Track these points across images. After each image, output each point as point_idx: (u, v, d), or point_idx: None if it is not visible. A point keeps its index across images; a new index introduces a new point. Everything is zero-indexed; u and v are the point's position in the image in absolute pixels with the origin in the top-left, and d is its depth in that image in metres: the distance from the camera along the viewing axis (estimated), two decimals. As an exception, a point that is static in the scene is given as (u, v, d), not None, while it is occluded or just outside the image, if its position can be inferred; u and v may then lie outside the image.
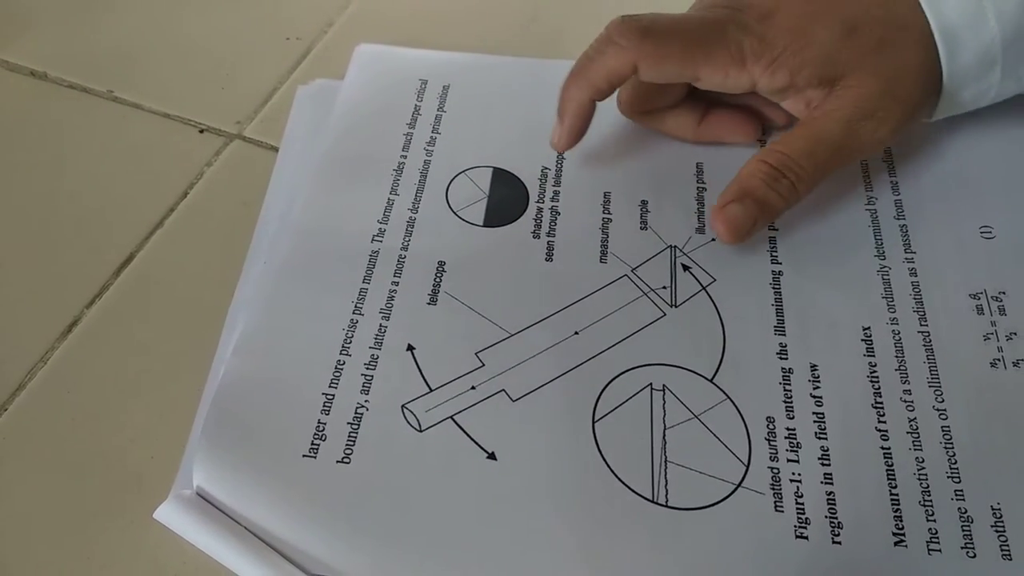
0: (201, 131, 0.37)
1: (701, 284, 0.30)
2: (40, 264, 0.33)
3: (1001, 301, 0.29)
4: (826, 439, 0.27)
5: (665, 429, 0.27)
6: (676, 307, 0.30)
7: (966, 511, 0.25)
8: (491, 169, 0.34)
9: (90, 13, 0.42)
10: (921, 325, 0.29)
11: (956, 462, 0.26)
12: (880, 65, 0.29)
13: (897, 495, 0.25)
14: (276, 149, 0.36)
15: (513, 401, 0.27)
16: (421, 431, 0.27)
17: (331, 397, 0.27)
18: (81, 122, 0.38)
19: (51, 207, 0.35)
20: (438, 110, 0.36)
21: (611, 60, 0.30)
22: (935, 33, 0.28)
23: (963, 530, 0.25)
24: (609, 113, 0.34)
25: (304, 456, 0.26)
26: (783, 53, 0.29)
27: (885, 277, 0.30)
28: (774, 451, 0.26)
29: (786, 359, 0.28)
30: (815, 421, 0.27)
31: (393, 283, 0.30)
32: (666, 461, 0.26)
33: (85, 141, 0.37)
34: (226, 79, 0.39)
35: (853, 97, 0.29)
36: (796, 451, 0.26)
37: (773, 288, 0.30)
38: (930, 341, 0.29)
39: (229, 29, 0.41)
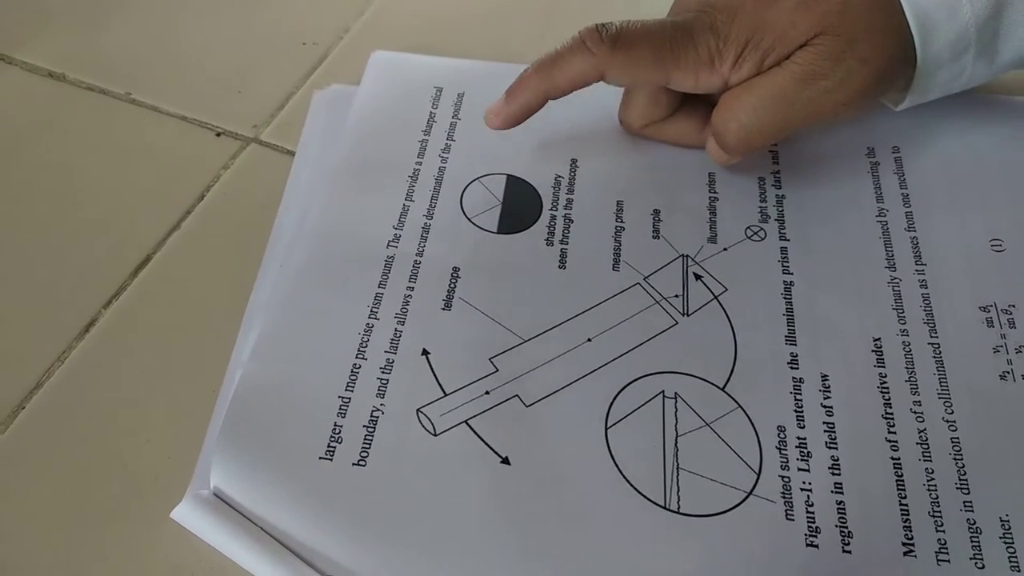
0: (218, 134, 0.38)
1: (713, 293, 0.31)
2: (58, 264, 0.33)
3: (1011, 314, 0.29)
4: (836, 449, 0.27)
5: (677, 436, 0.27)
6: (688, 316, 0.30)
7: (975, 522, 0.25)
8: (505, 176, 0.34)
9: (108, 15, 0.43)
10: (931, 337, 0.29)
11: (965, 473, 0.26)
12: (843, 26, 0.28)
13: (907, 505, 0.26)
14: (292, 153, 0.36)
15: (527, 406, 0.28)
16: (435, 435, 0.27)
17: (347, 400, 0.28)
18: (99, 124, 0.38)
19: (69, 208, 0.35)
20: (453, 117, 0.36)
21: (578, 64, 0.30)
22: (909, 19, 0.28)
23: (972, 541, 0.25)
24: (619, 124, 0.35)
25: (320, 458, 0.27)
26: (747, 47, 0.29)
27: (896, 289, 0.30)
28: (785, 460, 0.27)
29: (797, 368, 0.29)
30: (826, 431, 0.27)
31: (408, 288, 0.31)
32: (678, 468, 0.26)
33: (103, 143, 0.37)
34: (243, 83, 0.39)
35: (813, 55, 0.29)
36: (807, 460, 0.27)
37: (784, 298, 0.30)
38: (940, 353, 0.29)
39: (246, 33, 0.42)
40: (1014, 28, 0.29)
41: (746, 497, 0.26)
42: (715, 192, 0.34)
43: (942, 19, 0.28)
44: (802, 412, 0.28)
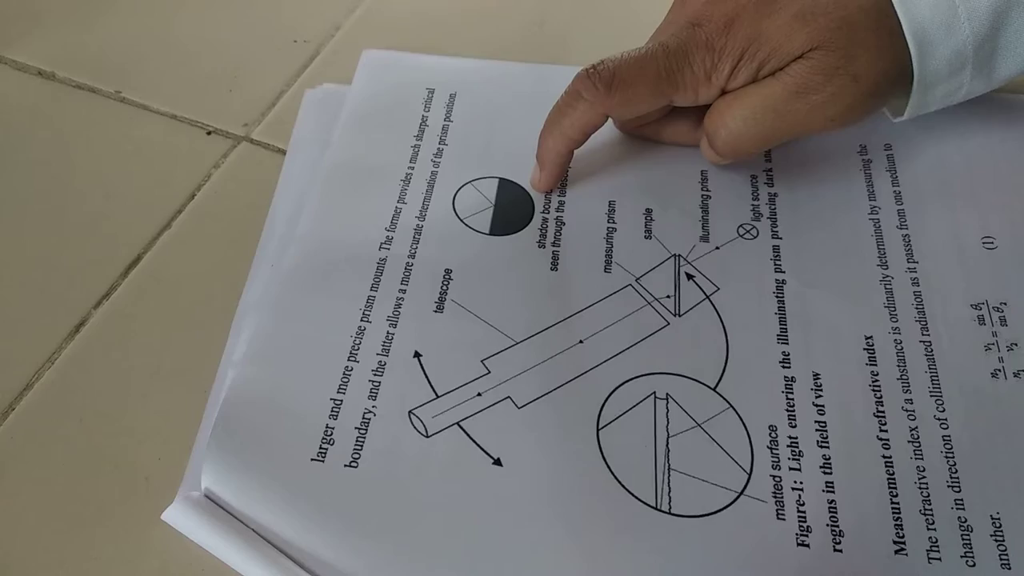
0: (209, 133, 0.37)
1: (705, 293, 0.31)
2: (48, 264, 0.33)
3: (1002, 312, 0.29)
4: (828, 447, 0.27)
5: (668, 437, 0.27)
6: (680, 316, 0.30)
7: (966, 520, 0.25)
8: (497, 179, 0.34)
9: (98, 13, 0.42)
10: (923, 335, 0.29)
11: (956, 471, 0.26)
12: (839, 41, 0.28)
13: (898, 504, 0.26)
14: (283, 152, 0.36)
15: (519, 408, 0.28)
16: (428, 437, 0.27)
17: (339, 403, 0.28)
18: (89, 122, 0.38)
19: (59, 207, 0.35)
20: (445, 120, 0.36)
21: (582, 115, 0.31)
22: (907, 34, 0.28)
23: (963, 539, 0.25)
24: (612, 123, 0.35)
25: (312, 460, 0.27)
26: (743, 58, 0.29)
27: (887, 287, 0.30)
28: (776, 459, 0.27)
29: (788, 368, 0.29)
30: (817, 430, 0.27)
31: (400, 291, 0.31)
32: (669, 469, 0.26)
33: (93, 141, 0.37)
34: (234, 81, 0.39)
35: (807, 69, 0.29)
36: (798, 459, 0.27)
37: (776, 297, 0.30)
38: (931, 351, 0.29)
39: (237, 31, 0.42)
40: (1012, 45, 0.29)
41: (737, 497, 0.26)
42: (707, 190, 0.34)
43: (940, 36, 0.28)
44: (793, 411, 0.28)
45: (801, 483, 0.26)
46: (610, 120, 0.35)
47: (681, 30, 0.30)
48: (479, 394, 0.28)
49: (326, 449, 0.27)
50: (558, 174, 0.33)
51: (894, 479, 0.26)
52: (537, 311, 0.30)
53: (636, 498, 0.26)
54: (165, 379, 0.30)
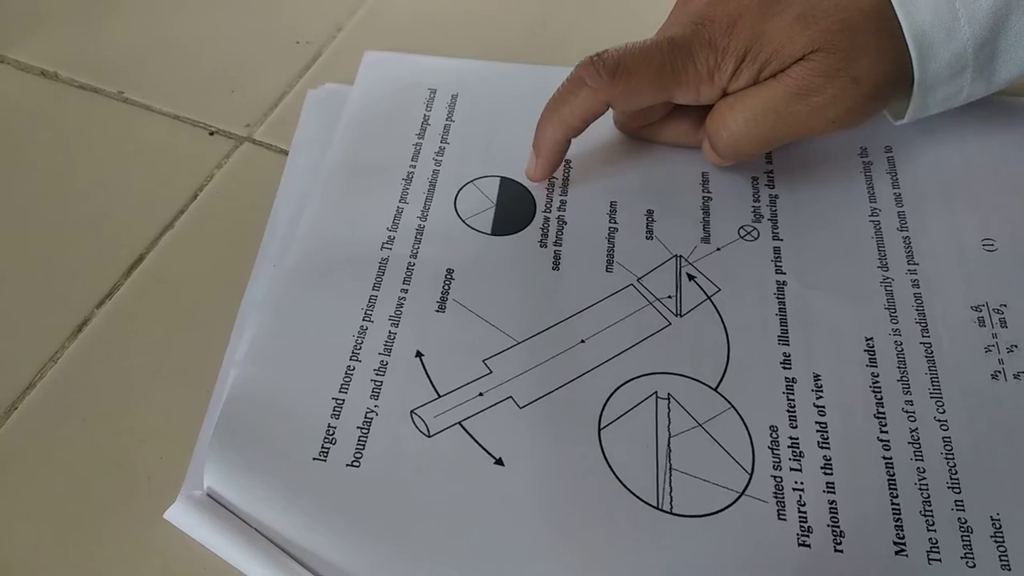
0: (211, 133, 0.37)
1: (706, 294, 0.31)
2: (50, 264, 0.33)
3: (1002, 313, 0.30)
4: (828, 448, 0.27)
5: (670, 437, 0.27)
6: (681, 316, 0.30)
7: (966, 521, 0.25)
8: (499, 178, 0.34)
9: (101, 14, 0.43)
10: (923, 336, 0.29)
11: (957, 472, 0.26)
12: (840, 44, 0.28)
13: (898, 504, 0.26)
14: (286, 152, 0.36)
15: (520, 408, 0.28)
16: (429, 436, 0.27)
17: (341, 402, 0.28)
18: (91, 123, 0.38)
19: (61, 208, 0.35)
20: (447, 120, 0.36)
21: (583, 102, 0.31)
22: (907, 37, 0.28)
23: (963, 540, 0.25)
24: (614, 124, 0.35)
25: (314, 459, 0.27)
26: (745, 59, 0.29)
27: (888, 288, 0.31)
28: (777, 460, 0.27)
29: (789, 368, 0.29)
30: (818, 430, 0.27)
31: (402, 290, 0.31)
32: (671, 469, 0.27)
33: (95, 142, 0.37)
34: (236, 82, 0.39)
35: (808, 71, 0.29)
36: (799, 460, 0.27)
37: (777, 298, 0.30)
38: (932, 352, 0.29)
39: (239, 31, 0.42)
40: (1012, 48, 0.29)
41: (738, 497, 0.26)
42: (708, 192, 0.34)
43: (940, 39, 0.28)
44: (794, 412, 0.28)
45: (802, 483, 0.26)
46: (612, 121, 0.35)
47: (685, 28, 0.30)
48: (481, 394, 0.28)
49: (328, 448, 0.27)
50: (555, 163, 0.33)
51: (894, 480, 0.26)
52: (538, 311, 0.30)
53: (637, 498, 0.26)
54: (167, 378, 0.30)
